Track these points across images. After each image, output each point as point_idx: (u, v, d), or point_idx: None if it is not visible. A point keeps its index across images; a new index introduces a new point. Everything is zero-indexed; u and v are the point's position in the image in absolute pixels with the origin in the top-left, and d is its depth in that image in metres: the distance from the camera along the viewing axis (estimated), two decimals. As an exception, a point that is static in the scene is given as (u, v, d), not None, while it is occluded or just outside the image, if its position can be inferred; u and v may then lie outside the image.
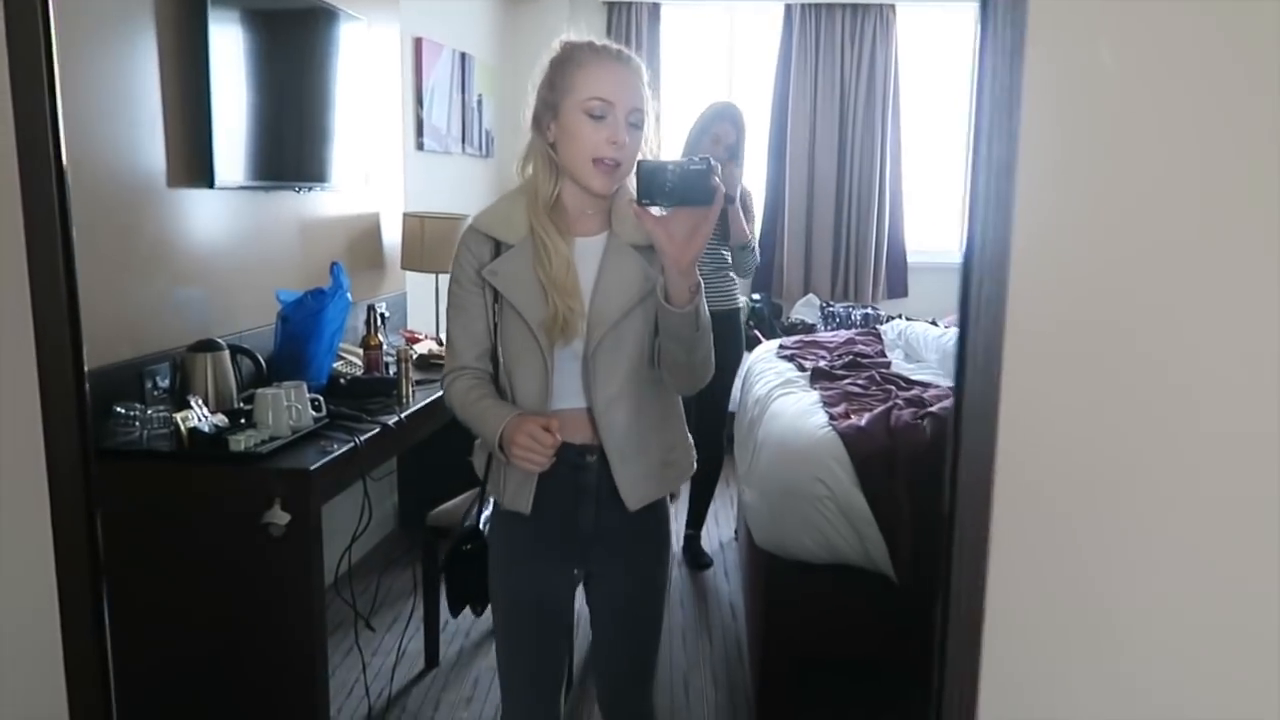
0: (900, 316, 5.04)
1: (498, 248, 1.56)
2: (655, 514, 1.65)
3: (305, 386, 2.36)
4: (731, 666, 2.97)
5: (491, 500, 1.69)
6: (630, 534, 1.64)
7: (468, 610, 1.84)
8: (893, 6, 5.45)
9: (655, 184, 1.39)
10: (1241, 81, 1.20)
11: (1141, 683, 1.33)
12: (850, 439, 2.41)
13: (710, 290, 2.97)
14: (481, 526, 1.81)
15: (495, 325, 1.58)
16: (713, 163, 1.39)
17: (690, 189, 1.38)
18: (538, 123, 1.56)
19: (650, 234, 1.42)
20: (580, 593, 1.77)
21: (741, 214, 3.32)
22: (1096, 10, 1.18)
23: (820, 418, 2.60)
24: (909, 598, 2.35)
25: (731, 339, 3.45)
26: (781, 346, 3.74)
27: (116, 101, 2.26)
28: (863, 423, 2.47)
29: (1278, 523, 1.27)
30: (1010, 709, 1.38)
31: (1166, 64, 1.21)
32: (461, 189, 4.82)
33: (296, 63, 3.04)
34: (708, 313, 1.51)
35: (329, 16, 3.19)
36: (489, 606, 1.74)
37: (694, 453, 1.71)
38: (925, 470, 2.32)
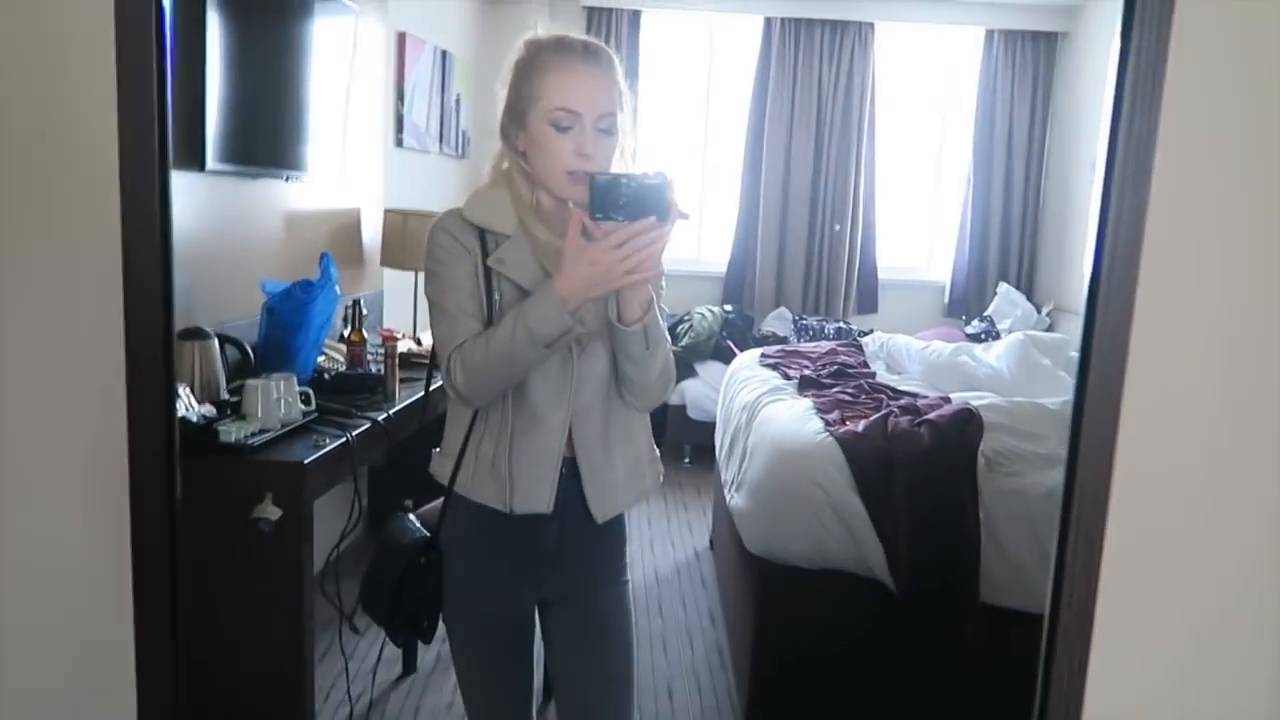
0: (872, 331, 5.09)
1: (483, 238, 1.47)
2: (616, 530, 1.60)
3: (295, 379, 2.29)
4: (714, 674, 2.94)
5: (446, 515, 1.57)
6: (592, 551, 1.57)
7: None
8: (871, 25, 5.51)
9: (609, 198, 1.33)
10: None
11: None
12: (848, 444, 2.40)
13: None
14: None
15: (490, 318, 1.47)
16: (668, 178, 1.33)
17: (645, 204, 1.32)
18: (505, 134, 1.49)
19: None
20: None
21: None
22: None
23: (816, 424, 2.59)
24: (903, 603, 2.35)
25: None
26: (764, 355, 3.74)
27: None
28: (860, 429, 2.47)
29: None
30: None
31: None
32: (437, 188, 4.75)
33: (285, 48, 2.96)
34: (662, 329, 1.46)
35: (320, 6, 3.12)
36: (435, 633, 1.61)
37: (660, 467, 1.63)
38: (924, 476, 2.32)
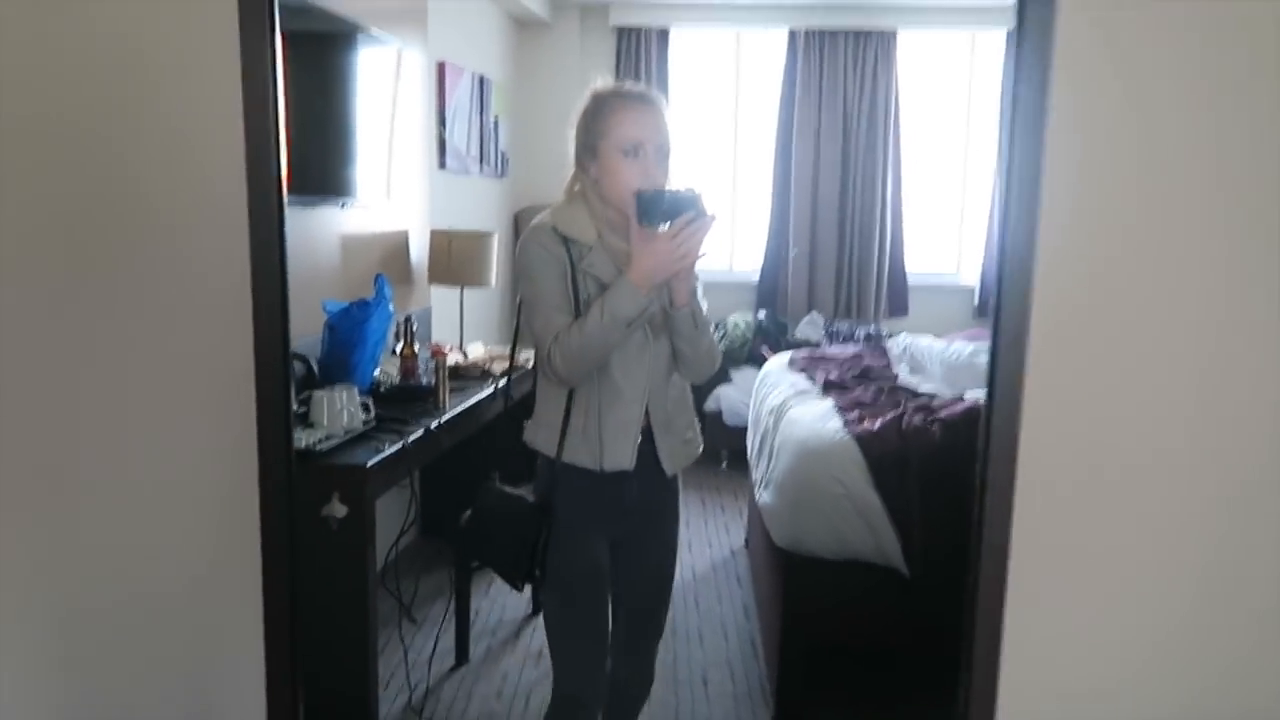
0: (899, 334, 5.22)
1: (567, 246, 1.79)
2: (675, 485, 1.97)
3: (355, 390, 2.51)
4: (747, 663, 3.11)
5: (546, 475, 1.88)
6: (659, 504, 1.94)
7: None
8: (894, 32, 5.65)
9: (654, 208, 1.69)
10: (1243, 106, 1.42)
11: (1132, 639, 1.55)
12: (865, 442, 2.57)
13: None
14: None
15: (576, 311, 1.79)
16: (697, 190, 1.69)
17: (682, 210, 1.68)
18: (580, 164, 1.83)
19: None
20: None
21: None
22: (1118, 41, 1.41)
23: (836, 423, 2.76)
24: (918, 590, 2.51)
25: None
26: (793, 360, 3.91)
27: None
28: (876, 427, 2.64)
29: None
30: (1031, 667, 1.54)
31: (1177, 87, 1.43)
32: (479, 208, 4.98)
33: (334, 82, 3.20)
34: (704, 312, 1.83)
35: (365, 41, 3.36)
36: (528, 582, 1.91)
37: (700, 437, 1.99)
38: (936, 470, 2.48)
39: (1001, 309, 1.41)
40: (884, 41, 5.66)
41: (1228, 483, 1.52)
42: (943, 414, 2.65)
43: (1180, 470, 1.52)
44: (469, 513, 2.03)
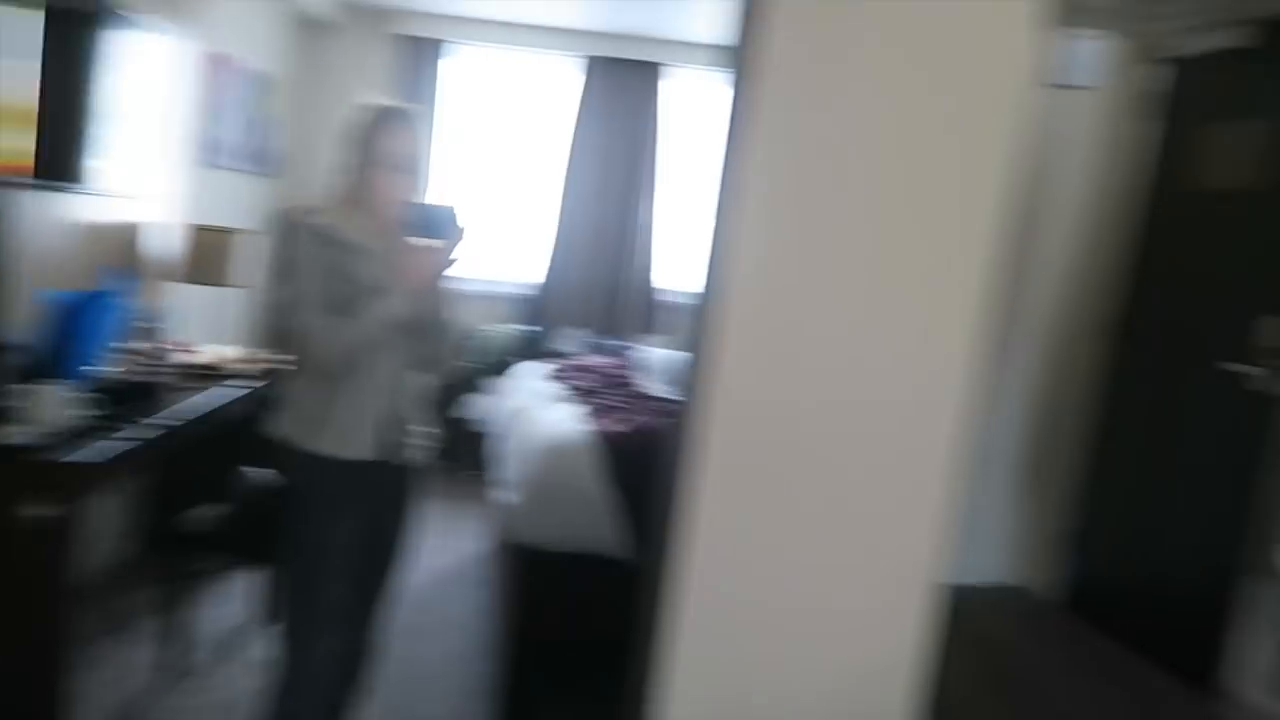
0: (643, 348, 5.51)
1: (332, 244, 1.94)
2: (413, 476, 2.15)
3: (74, 386, 2.44)
4: (480, 662, 3.18)
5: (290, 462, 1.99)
6: (398, 490, 2.13)
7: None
8: (656, 66, 6.00)
9: (418, 222, 1.89)
10: (898, 161, 1.77)
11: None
12: (603, 441, 2.78)
13: None
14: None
15: (334, 307, 1.91)
16: (454, 206, 1.90)
17: (441, 224, 1.89)
18: (348, 172, 2.01)
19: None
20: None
21: None
22: (803, 106, 1.72)
23: (579, 424, 2.97)
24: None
25: None
26: (546, 367, 4.10)
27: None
28: (616, 427, 2.87)
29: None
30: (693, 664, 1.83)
31: (844, 154, 1.76)
32: (244, 205, 4.84)
33: (82, 66, 3.04)
34: (445, 319, 2.03)
35: (121, 24, 3.22)
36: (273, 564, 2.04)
37: (437, 432, 2.19)
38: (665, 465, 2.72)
39: (701, 324, 1.73)
40: (651, 75, 6.00)
41: (881, 483, 1.83)
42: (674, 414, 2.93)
43: (838, 470, 1.82)
44: (223, 507, 2.12)
